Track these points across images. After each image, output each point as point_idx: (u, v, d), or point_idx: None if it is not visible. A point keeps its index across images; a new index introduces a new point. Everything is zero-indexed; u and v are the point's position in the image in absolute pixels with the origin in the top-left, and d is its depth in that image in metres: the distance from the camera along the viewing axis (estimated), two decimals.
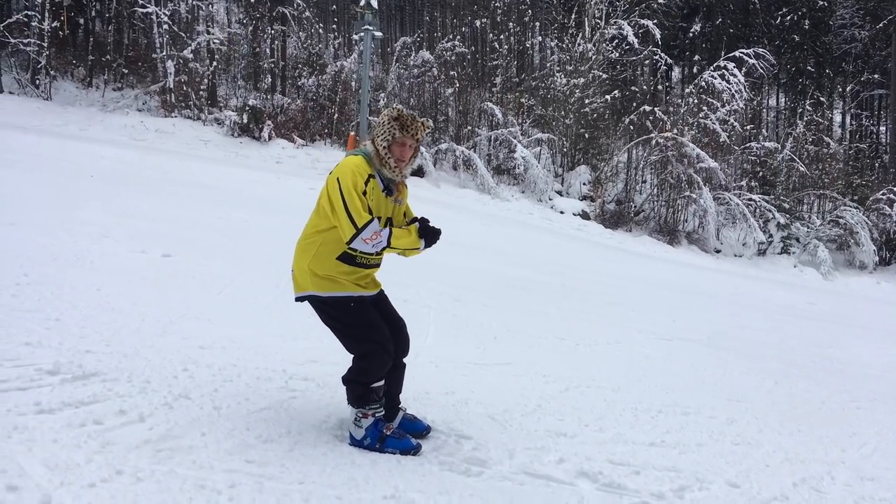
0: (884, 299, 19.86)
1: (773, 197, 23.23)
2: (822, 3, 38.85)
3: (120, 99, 21.81)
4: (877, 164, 31.08)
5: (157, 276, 5.90)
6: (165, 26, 21.35)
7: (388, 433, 3.38)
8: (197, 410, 3.44)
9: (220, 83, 25.16)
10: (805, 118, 26.21)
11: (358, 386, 3.35)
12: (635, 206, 23.95)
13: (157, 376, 3.76)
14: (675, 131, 22.26)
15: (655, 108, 23.06)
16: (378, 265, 3.53)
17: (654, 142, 22.43)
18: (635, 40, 23.19)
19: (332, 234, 3.31)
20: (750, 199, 22.65)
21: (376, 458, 3.24)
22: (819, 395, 5.51)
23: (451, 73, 24.11)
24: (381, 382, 3.38)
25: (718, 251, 22.71)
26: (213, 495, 2.68)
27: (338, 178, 3.23)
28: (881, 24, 37.16)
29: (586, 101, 23.27)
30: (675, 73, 40.99)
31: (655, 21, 24.53)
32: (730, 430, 4.31)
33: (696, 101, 23.56)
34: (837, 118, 42.30)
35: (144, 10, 21.73)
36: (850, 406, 5.32)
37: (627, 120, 23.59)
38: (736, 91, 22.92)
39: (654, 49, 24.39)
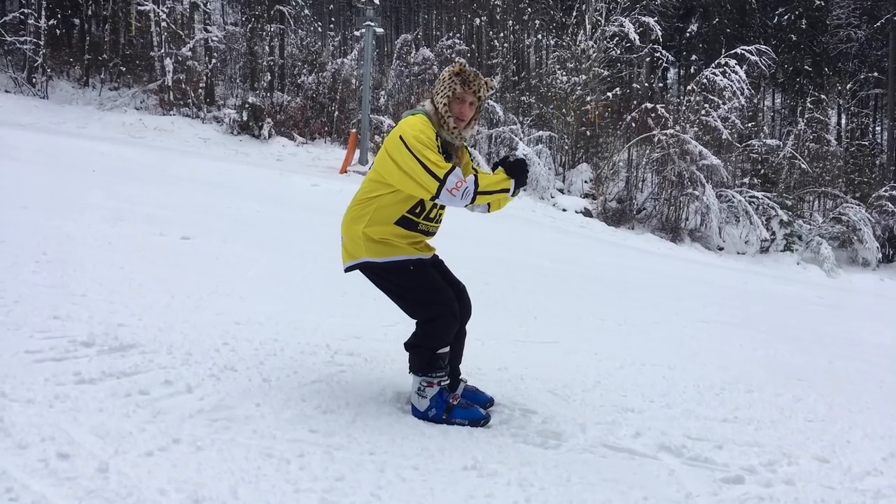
0: (888, 295, 19.77)
1: (775, 194, 23.11)
2: (819, 2, 38.94)
3: (117, 97, 21.48)
4: (877, 162, 31.08)
5: (179, 256, 5.64)
6: (164, 24, 21.04)
7: (455, 403, 3.13)
8: (246, 382, 3.18)
9: (218, 82, 24.90)
10: (806, 116, 26.13)
11: (425, 351, 3.09)
12: (637, 204, 23.78)
13: (198, 349, 3.50)
14: (678, 128, 22.11)
15: (658, 106, 22.91)
16: (435, 233, 3.28)
17: (656, 139, 22.27)
18: (636, 37, 23.05)
19: (388, 198, 3.06)
20: (752, 197, 22.52)
21: (446, 429, 3.00)
22: (875, 375, 5.30)
23: None
24: (448, 348, 3.13)
25: (721, 248, 22.56)
26: (281, 464, 2.43)
27: (400, 136, 2.96)
28: (878, 24, 37.29)
29: (587, 98, 23.09)
30: (672, 74, 41.06)
31: (656, 19, 24.43)
32: (799, 406, 4.09)
33: (697, 98, 23.43)
34: (834, 117, 42.55)
35: (142, 8, 21.43)
36: None
37: (629, 117, 23.43)
38: (738, 88, 22.80)
39: (655, 46, 24.25)
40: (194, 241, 6.26)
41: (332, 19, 28.88)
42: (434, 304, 3.07)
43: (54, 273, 4.42)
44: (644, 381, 4.17)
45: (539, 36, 26.81)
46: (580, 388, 3.89)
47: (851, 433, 3.72)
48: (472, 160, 3.36)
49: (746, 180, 24.26)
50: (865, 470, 3.17)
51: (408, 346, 3.17)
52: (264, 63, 22.46)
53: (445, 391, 3.15)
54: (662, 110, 22.80)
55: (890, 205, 22.32)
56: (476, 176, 2.98)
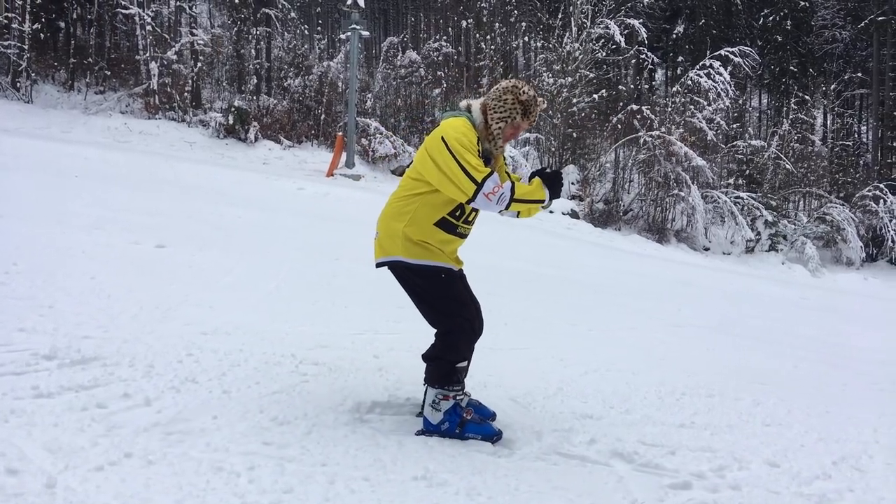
0: (872, 294, 19.92)
1: (759, 195, 23.28)
2: (803, 3, 39.21)
3: (102, 101, 21.42)
4: (861, 162, 31.33)
5: (153, 265, 5.67)
6: (149, 27, 21.02)
7: (468, 418, 3.16)
8: (206, 394, 3.23)
9: (205, 86, 24.87)
10: (790, 116, 26.31)
11: (444, 363, 3.11)
12: (624, 206, 23.90)
13: (161, 361, 3.54)
14: (663, 130, 22.24)
15: (643, 108, 23.04)
16: (468, 235, 3.29)
17: (641, 140, 22.39)
18: (622, 39, 23.17)
19: (432, 197, 3.06)
20: (738, 197, 22.67)
21: (402, 439, 3.05)
22: (839, 378, 5.38)
23: (439, 73, 23.97)
24: (466, 363, 3.17)
25: (707, 249, 22.71)
26: (231, 477, 2.48)
27: (442, 138, 2.95)
28: (862, 24, 37.58)
29: (573, 100, 23.19)
30: (659, 75, 41.21)
31: (641, 21, 24.56)
32: (758, 411, 4.15)
33: (682, 100, 23.57)
34: (820, 117, 42.84)
35: (127, 12, 21.39)
36: (873, 388, 5.20)
37: (615, 119, 23.55)
38: (722, 89, 22.95)
39: (641, 48, 24.39)
40: (169, 249, 6.29)
41: (320, 22, 28.88)
42: (457, 317, 3.10)
43: (23, 284, 4.45)
44: (606, 387, 4.23)
45: (526, 38, 26.90)
46: (542, 395, 3.95)
47: (806, 437, 3.79)
48: (506, 164, 3.37)
49: (732, 181, 24.38)
50: (815, 474, 3.23)
51: (426, 357, 3.17)
52: (250, 66, 22.45)
53: (460, 406, 3.16)
54: (648, 112, 22.93)
55: (873, 204, 22.50)
56: (513, 184, 3.01)
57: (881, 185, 22.93)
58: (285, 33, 24.49)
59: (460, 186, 2.91)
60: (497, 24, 26.78)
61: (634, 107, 23.32)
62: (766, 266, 22.12)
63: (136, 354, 3.56)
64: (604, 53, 24.77)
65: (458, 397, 3.15)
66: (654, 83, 36.26)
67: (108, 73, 21.91)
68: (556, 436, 3.32)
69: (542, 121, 24.55)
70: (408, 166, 3.71)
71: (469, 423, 3.15)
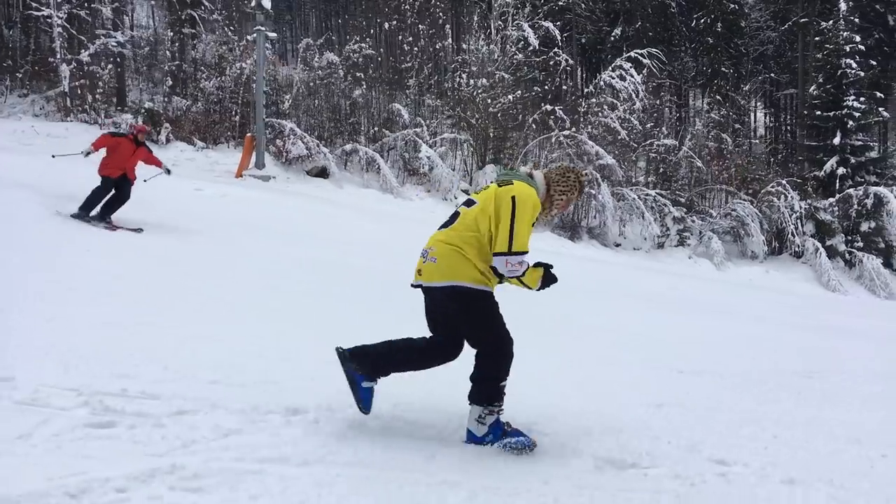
0: (766, 286, 20.83)
1: (669, 192, 24.08)
2: (733, 6, 40.36)
3: (16, 104, 21.43)
4: (778, 159, 32.44)
5: None
6: (59, 29, 21.07)
7: (509, 430, 3.59)
8: None
9: (133, 87, 24.94)
10: (703, 116, 27.23)
11: (491, 383, 3.53)
12: None
13: None
14: (573, 129, 22.92)
15: (556, 108, 23.70)
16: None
17: (553, 140, 23.05)
18: (536, 42, 23.83)
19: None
20: (647, 195, 23.44)
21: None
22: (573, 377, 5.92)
23: (359, 74, 24.35)
24: (506, 381, 3.59)
25: (619, 245, 23.46)
26: None
27: (513, 198, 3.43)
28: (786, 26, 38.88)
29: (489, 101, 23.75)
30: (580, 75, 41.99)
31: (560, 23, 25.21)
32: None
33: (596, 100, 24.31)
34: (762, 118, 44.16)
35: (39, 14, 21.42)
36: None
37: (531, 119, 24.17)
38: (633, 90, 23.72)
39: (556, 50, 25.08)
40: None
41: (247, 23, 29.01)
42: (500, 339, 3.53)
43: None
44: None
45: (450, 40, 27.43)
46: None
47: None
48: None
49: (642, 179, 25.19)
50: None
51: (476, 378, 3.57)
52: (166, 68, 22.62)
53: (501, 420, 3.59)
54: (560, 112, 23.60)
55: (775, 200, 23.44)
56: (528, 267, 3.51)
57: (783, 182, 23.89)
58: (206, 35, 24.66)
59: (499, 240, 3.40)
60: (421, 26, 27.21)
61: (548, 107, 23.98)
62: (674, 261, 22.91)
63: None
64: (522, 56, 25.36)
65: (499, 412, 3.58)
66: (575, 84, 36.95)
67: (19, 75, 21.86)
68: None
69: (463, 121, 25.14)
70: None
71: (509, 434, 3.58)
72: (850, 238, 23.39)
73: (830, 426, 4.61)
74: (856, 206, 23.30)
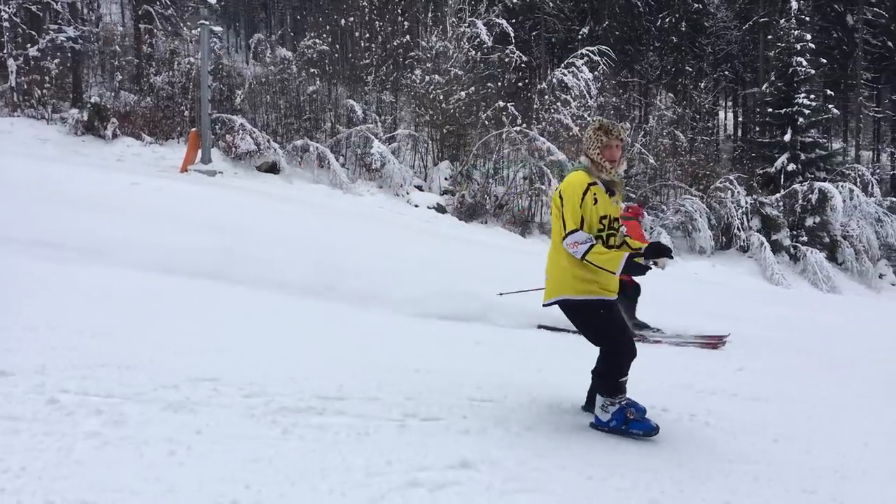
0: (713, 280, 21.18)
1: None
2: (696, 5, 40.82)
3: None
4: (734, 156, 32.86)
5: None
6: (7, 24, 20.99)
7: (632, 417, 3.92)
8: None
9: (93, 83, 24.82)
10: (656, 114, 27.57)
11: (610, 379, 3.92)
12: (497, 199, 24.74)
13: None
14: (524, 125, 23.14)
15: (507, 104, 23.91)
16: (613, 270, 3.93)
17: (504, 136, 23.25)
18: (488, 39, 24.02)
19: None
20: None
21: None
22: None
23: (313, 70, 24.43)
24: (627, 377, 3.94)
25: None
26: None
27: (560, 193, 3.97)
28: (746, 25, 39.36)
29: (441, 97, 23.91)
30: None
31: (513, 21, 25.41)
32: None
33: (549, 97, 24.55)
34: (731, 116, 44.67)
35: None
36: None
37: (484, 116, 24.36)
38: (584, 88, 23.99)
39: (510, 47, 25.30)
40: None
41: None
42: (616, 342, 3.92)
43: None
44: None
45: (407, 37, 27.51)
46: None
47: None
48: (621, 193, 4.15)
49: None
50: None
51: (597, 373, 4.04)
52: (115, 63, 22.59)
53: (625, 408, 3.93)
54: (512, 108, 23.81)
55: (723, 196, 23.80)
56: (589, 249, 3.80)
57: (731, 178, 24.25)
58: (159, 32, 24.64)
59: (565, 227, 3.88)
60: (379, 23, 27.31)
61: (501, 104, 24.18)
62: None
63: None
64: (475, 53, 25.52)
65: (622, 402, 3.96)
66: (540, 81, 37.22)
67: None
68: None
69: (418, 117, 25.30)
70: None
71: (632, 422, 3.92)
72: (795, 233, 23.80)
73: None
74: (801, 202, 23.69)
